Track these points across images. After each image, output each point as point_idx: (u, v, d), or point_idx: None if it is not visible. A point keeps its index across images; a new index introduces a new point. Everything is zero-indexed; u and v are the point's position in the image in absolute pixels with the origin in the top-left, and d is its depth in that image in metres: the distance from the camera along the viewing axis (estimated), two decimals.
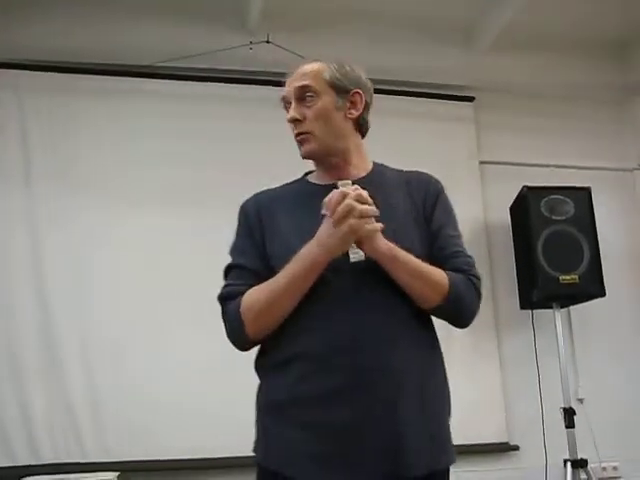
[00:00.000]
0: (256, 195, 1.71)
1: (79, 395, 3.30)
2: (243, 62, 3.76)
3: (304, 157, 1.65)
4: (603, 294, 3.66)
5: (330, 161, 1.64)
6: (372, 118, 1.69)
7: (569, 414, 3.51)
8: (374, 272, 1.48)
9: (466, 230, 1.75)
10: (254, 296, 1.53)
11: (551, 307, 3.74)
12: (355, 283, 1.49)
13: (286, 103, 1.65)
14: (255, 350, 1.62)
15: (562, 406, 3.55)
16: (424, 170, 1.73)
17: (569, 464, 3.42)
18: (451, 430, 1.56)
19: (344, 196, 1.43)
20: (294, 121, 1.61)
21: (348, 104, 1.63)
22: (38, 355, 3.30)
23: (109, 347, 3.34)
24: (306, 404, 1.47)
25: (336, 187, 1.47)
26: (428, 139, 3.90)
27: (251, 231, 1.63)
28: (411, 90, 4.04)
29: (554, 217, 3.73)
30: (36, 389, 3.26)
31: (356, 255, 1.46)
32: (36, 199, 3.46)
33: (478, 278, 1.60)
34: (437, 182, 1.70)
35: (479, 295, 1.59)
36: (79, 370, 3.32)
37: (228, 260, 1.66)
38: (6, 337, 3.30)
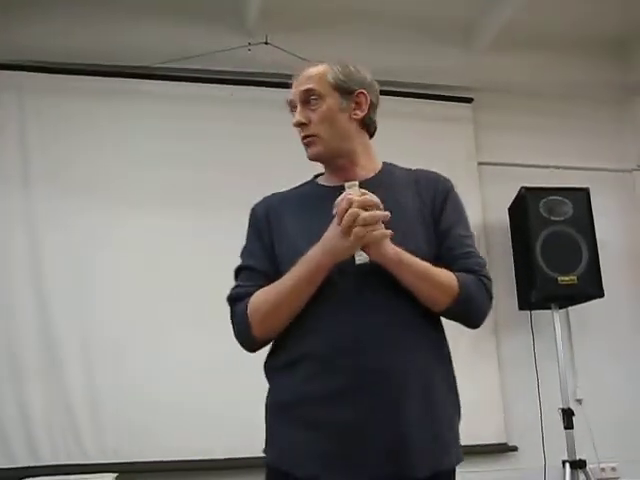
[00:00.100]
0: (266, 198, 1.72)
1: (79, 396, 3.30)
2: (242, 63, 3.75)
3: (311, 159, 1.65)
4: (602, 295, 3.66)
5: (337, 163, 1.65)
6: None
7: (568, 415, 3.51)
8: (379, 274, 1.48)
9: None
10: (261, 298, 1.55)
11: (550, 308, 3.75)
12: (359, 285, 1.50)
13: (292, 107, 1.66)
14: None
15: (561, 407, 3.55)
16: None
17: (568, 465, 3.42)
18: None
19: (350, 203, 1.42)
20: (300, 125, 1.62)
21: (353, 105, 1.63)
22: (38, 355, 3.30)
23: (109, 347, 3.34)
24: (311, 404, 1.48)
25: (343, 189, 1.47)
26: (426, 140, 3.90)
27: (260, 234, 1.64)
28: (409, 91, 4.04)
29: (553, 218, 3.73)
30: (35, 390, 3.26)
31: (361, 257, 1.46)
32: (35, 200, 3.46)
33: (489, 279, 1.59)
34: (446, 180, 1.70)
35: (490, 296, 1.59)
36: (79, 371, 3.32)
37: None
38: (6, 337, 3.29)
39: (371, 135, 1.70)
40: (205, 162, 3.62)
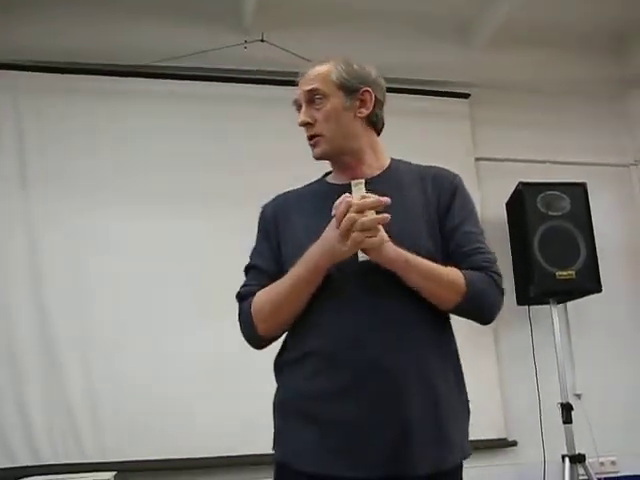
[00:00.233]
0: (275, 198, 1.73)
1: (78, 396, 3.29)
2: (238, 61, 3.75)
3: (317, 159, 1.65)
4: (600, 290, 3.67)
5: (343, 161, 1.65)
6: None
7: (567, 409, 3.52)
8: (380, 272, 1.48)
9: None
10: (262, 297, 1.57)
11: (548, 303, 3.75)
12: (359, 283, 1.50)
13: (298, 106, 1.66)
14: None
15: (559, 401, 3.57)
16: None
17: (567, 459, 3.43)
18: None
19: (349, 207, 1.41)
20: (305, 124, 1.63)
21: (358, 103, 1.64)
22: (37, 356, 3.29)
23: (108, 347, 3.33)
24: (318, 401, 1.49)
25: (350, 187, 1.47)
26: (424, 136, 3.89)
27: (268, 235, 1.66)
28: (407, 87, 4.03)
29: (550, 213, 3.74)
30: (35, 389, 3.25)
31: (364, 255, 1.46)
32: (34, 200, 3.45)
33: (499, 274, 1.60)
34: (454, 177, 1.68)
35: (501, 291, 1.60)
36: (78, 371, 3.31)
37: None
38: (5, 338, 3.29)
39: (379, 132, 1.71)
40: (203, 161, 3.61)
